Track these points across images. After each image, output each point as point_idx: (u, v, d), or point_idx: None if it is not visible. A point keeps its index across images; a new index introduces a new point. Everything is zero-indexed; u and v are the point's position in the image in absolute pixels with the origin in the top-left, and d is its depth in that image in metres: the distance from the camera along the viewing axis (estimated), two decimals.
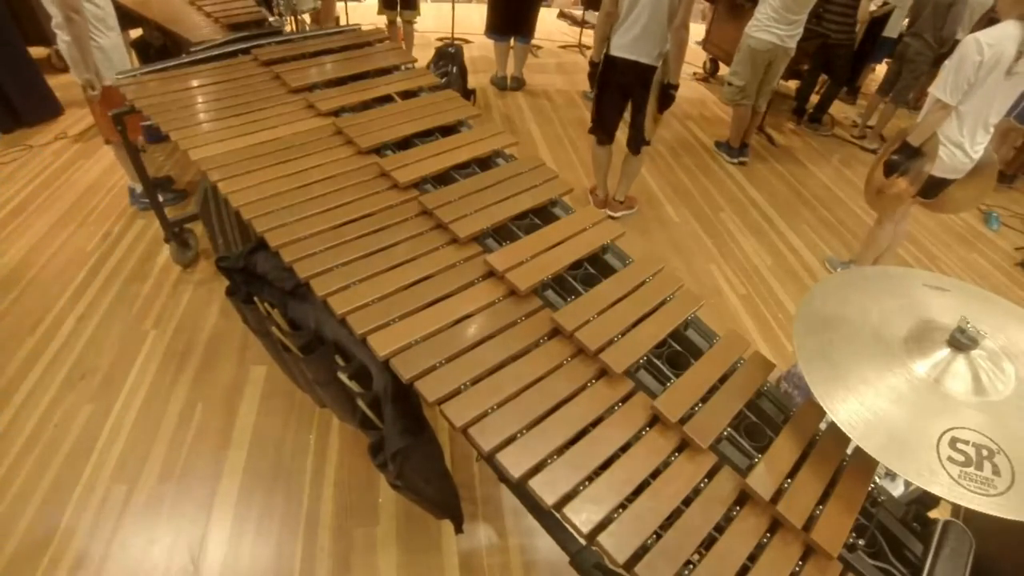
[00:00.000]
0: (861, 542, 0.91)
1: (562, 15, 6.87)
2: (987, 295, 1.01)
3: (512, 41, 4.55)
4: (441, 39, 5.19)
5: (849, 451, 0.97)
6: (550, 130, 4.18)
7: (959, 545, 0.88)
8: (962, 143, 2.42)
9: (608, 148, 3.10)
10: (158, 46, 2.94)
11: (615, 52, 2.73)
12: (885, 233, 2.86)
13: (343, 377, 1.18)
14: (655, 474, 0.91)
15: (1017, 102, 3.92)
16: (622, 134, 3.09)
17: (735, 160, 4.04)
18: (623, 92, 2.87)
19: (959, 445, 0.79)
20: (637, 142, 3.00)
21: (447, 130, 1.68)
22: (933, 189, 2.65)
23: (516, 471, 0.87)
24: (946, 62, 2.34)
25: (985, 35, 2.22)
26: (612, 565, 0.82)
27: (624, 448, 0.94)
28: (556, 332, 1.10)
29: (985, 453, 0.78)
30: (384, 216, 1.30)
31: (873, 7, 4.35)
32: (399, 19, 4.34)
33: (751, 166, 4.03)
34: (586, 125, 4.26)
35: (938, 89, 2.34)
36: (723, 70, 5.46)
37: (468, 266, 1.21)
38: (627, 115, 2.99)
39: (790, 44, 3.54)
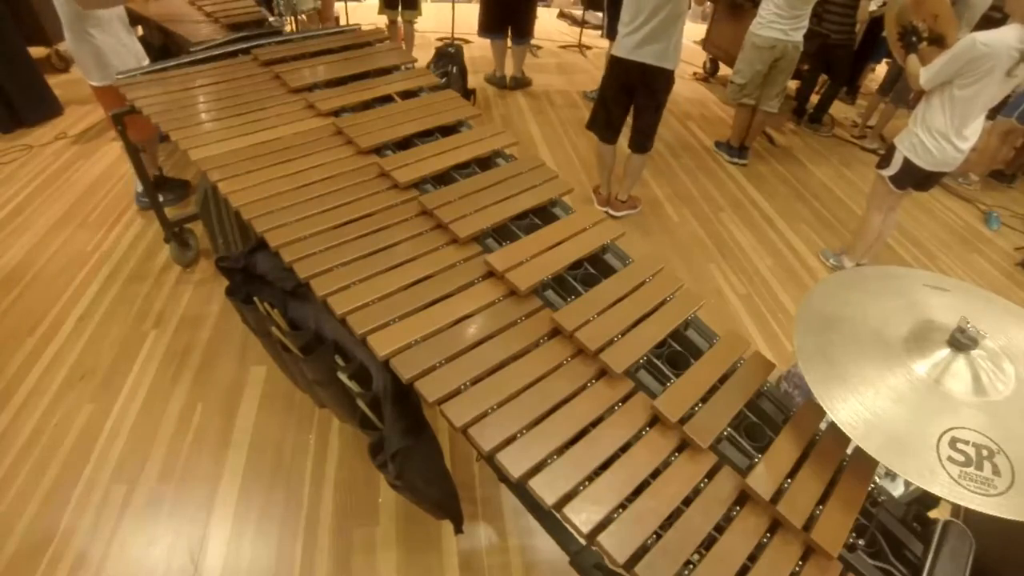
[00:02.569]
0: (861, 542, 0.91)
1: (562, 15, 6.87)
2: (987, 295, 1.01)
3: (509, 41, 4.55)
4: (441, 39, 5.19)
5: (849, 451, 0.97)
6: (550, 130, 4.18)
7: (959, 545, 0.88)
8: (948, 134, 2.45)
9: (612, 147, 3.11)
10: (158, 46, 2.93)
11: (620, 54, 2.73)
12: (875, 222, 2.91)
13: (343, 377, 1.18)
14: (655, 474, 0.91)
15: (1018, 103, 3.94)
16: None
17: (734, 160, 4.04)
18: (627, 92, 2.87)
19: (959, 445, 0.79)
20: (639, 143, 3.00)
21: (447, 130, 1.68)
22: (926, 182, 2.71)
23: (516, 471, 0.87)
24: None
25: (983, 35, 2.24)
26: (612, 565, 0.82)
27: (624, 448, 0.94)
28: (556, 332, 1.10)
29: (985, 453, 0.78)
30: (384, 216, 1.30)
31: (873, 7, 4.34)
32: (400, 19, 4.34)
33: (751, 166, 4.03)
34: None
35: (924, 69, 2.45)
36: (723, 70, 5.46)
37: (468, 266, 1.21)
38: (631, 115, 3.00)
39: (796, 37, 3.53)
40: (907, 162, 2.58)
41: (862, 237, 2.97)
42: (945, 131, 2.45)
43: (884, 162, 2.71)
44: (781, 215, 3.50)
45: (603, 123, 3.02)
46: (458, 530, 1.42)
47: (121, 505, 1.67)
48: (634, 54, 2.68)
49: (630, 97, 2.90)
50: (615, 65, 2.80)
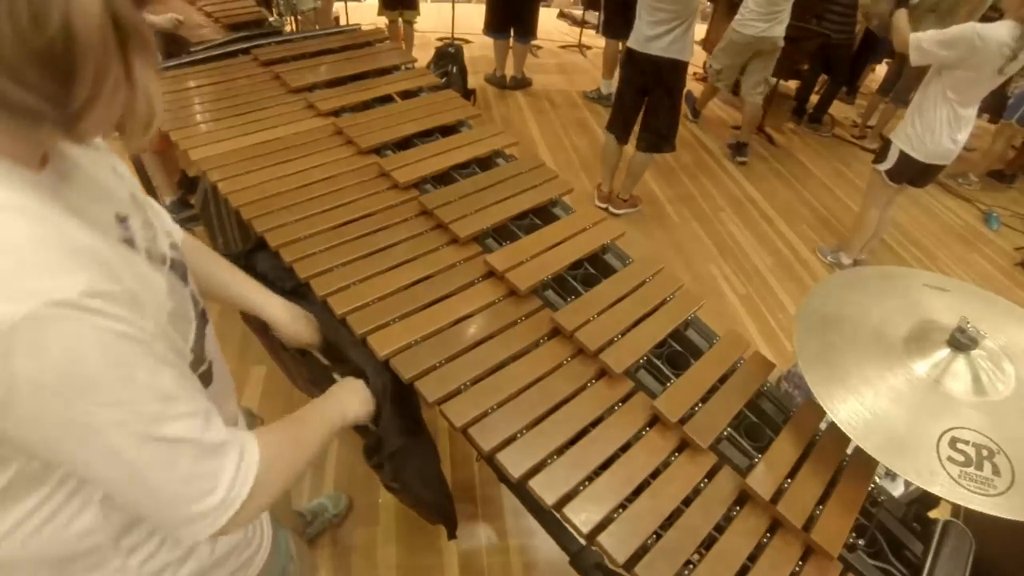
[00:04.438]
0: (861, 542, 0.91)
1: (562, 15, 6.87)
2: (987, 295, 1.01)
3: (511, 40, 4.56)
4: (441, 39, 5.19)
5: (849, 451, 0.97)
6: (550, 130, 4.18)
7: (959, 545, 0.88)
8: (942, 128, 2.48)
9: (620, 145, 3.11)
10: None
11: (634, 46, 2.74)
12: (871, 218, 2.93)
13: (337, 377, 1.18)
14: (655, 474, 0.91)
15: (1017, 104, 3.94)
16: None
17: (736, 158, 4.09)
18: (642, 88, 2.87)
19: (959, 445, 0.79)
20: (651, 143, 3.00)
21: (447, 130, 1.68)
22: (923, 177, 2.72)
23: (516, 471, 0.87)
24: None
25: (982, 28, 2.24)
26: (612, 565, 0.82)
27: (624, 448, 0.94)
28: (556, 332, 1.09)
29: (985, 453, 0.78)
30: (384, 216, 1.30)
31: None
32: (399, 19, 4.34)
33: (751, 166, 4.04)
34: (586, 125, 4.28)
35: (916, 36, 2.38)
36: None
37: (468, 266, 1.21)
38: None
39: (774, 33, 3.59)
40: (903, 155, 2.59)
41: (858, 233, 2.99)
42: (939, 125, 2.47)
43: (880, 157, 2.73)
44: (781, 215, 3.51)
45: (620, 123, 3.02)
46: (451, 535, 1.42)
47: None
48: (644, 47, 2.69)
49: (643, 94, 2.90)
50: (629, 59, 2.82)
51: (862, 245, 3.02)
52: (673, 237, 3.17)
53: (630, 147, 3.14)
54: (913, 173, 2.65)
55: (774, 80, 4.23)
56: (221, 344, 0.80)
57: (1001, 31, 2.23)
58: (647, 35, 2.65)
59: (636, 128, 3.04)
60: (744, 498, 0.92)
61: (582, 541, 0.86)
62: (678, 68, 2.74)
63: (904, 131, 2.59)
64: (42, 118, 0.43)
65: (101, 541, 0.59)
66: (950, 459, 0.78)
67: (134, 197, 0.64)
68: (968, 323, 0.87)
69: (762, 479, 0.91)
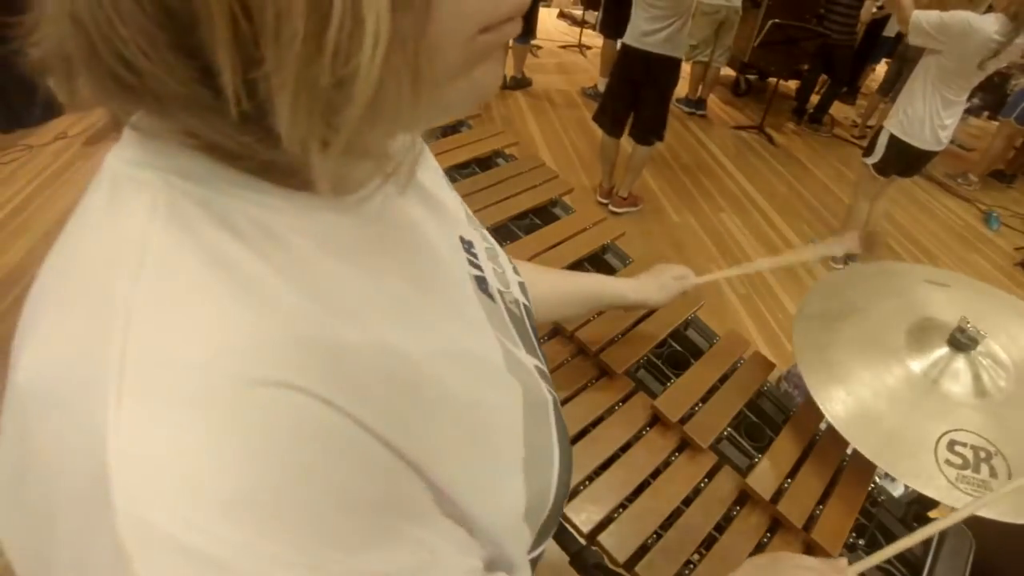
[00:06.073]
0: (861, 542, 0.91)
1: (562, 15, 6.87)
2: (988, 290, 1.01)
3: (511, 40, 4.56)
4: None
5: (849, 451, 0.98)
6: (550, 130, 4.18)
7: (959, 545, 0.88)
8: (931, 117, 2.49)
9: (616, 140, 3.11)
10: None
11: (630, 41, 2.76)
12: (860, 209, 2.94)
13: None
14: (655, 474, 0.91)
15: (1016, 102, 3.95)
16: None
17: (693, 111, 4.68)
18: (633, 83, 2.88)
19: (957, 448, 0.79)
20: (642, 135, 3.01)
21: (447, 130, 1.68)
22: (913, 165, 2.72)
23: None
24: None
25: (975, 18, 2.25)
26: (612, 565, 0.82)
27: (624, 448, 0.94)
28: (556, 332, 1.10)
29: (983, 455, 0.78)
30: None
31: (875, 9, 4.36)
32: None
33: (752, 166, 4.04)
34: (586, 125, 4.28)
35: (921, 17, 2.33)
36: (724, 70, 5.46)
37: None
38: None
39: (736, 3, 4.15)
40: (895, 141, 2.60)
41: (849, 225, 3.00)
42: (929, 114, 2.48)
43: (868, 150, 2.74)
44: (781, 215, 3.51)
45: (608, 116, 3.03)
46: None
47: None
48: (639, 42, 2.71)
49: (635, 88, 2.91)
50: (623, 53, 2.84)
51: None
52: (673, 236, 3.17)
53: (630, 145, 3.14)
54: (904, 162, 2.66)
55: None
56: None
57: (990, 24, 2.23)
58: (643, 30, 2.67)
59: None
60: (744, 498, 0.92)
61: (582, 541, 0.87)
62: (670, 64, 2.76)
63: (896, 117, 2.60)
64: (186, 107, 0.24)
65: None
66: (948, 462, 0.78)
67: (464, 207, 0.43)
68: (968, 323, 0.87)
69: (762, 479, 0.91)
